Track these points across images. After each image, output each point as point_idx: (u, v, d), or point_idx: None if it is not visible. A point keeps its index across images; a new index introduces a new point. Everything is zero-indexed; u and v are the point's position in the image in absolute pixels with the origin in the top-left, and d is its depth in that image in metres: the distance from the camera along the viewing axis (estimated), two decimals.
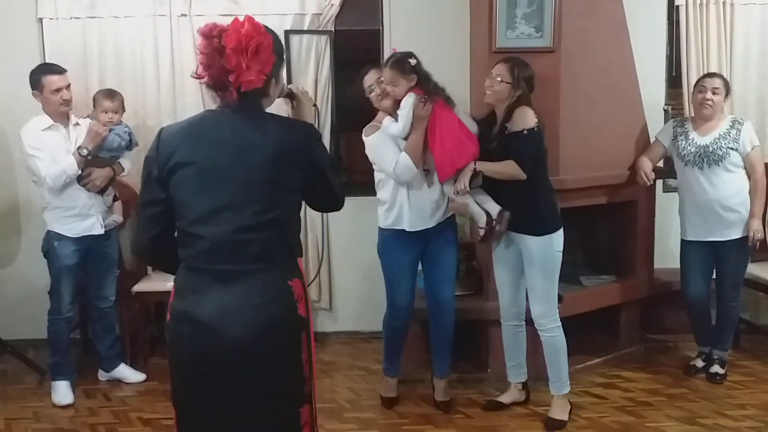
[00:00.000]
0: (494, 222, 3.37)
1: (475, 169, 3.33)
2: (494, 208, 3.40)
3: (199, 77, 2.04)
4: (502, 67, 3.38)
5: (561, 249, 3.41)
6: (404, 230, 3.47)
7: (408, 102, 3.33)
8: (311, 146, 2.10)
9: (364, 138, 3.50)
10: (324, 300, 4.74)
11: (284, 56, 2.12)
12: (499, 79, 3.35)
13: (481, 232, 3.44)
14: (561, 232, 3.41)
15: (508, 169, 3.31)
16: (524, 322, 3.61)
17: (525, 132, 3.28)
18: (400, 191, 3.46)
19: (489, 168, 3.35)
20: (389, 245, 3.56)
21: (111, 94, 3.94)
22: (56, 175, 3.68)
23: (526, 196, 3.34)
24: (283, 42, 2.28)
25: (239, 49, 1.95)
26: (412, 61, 3.33)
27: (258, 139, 2.02)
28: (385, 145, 3.41)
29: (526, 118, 3.29)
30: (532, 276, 3.42)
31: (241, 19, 2.00)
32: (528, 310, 3.53)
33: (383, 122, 3.44)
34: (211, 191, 1.99)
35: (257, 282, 2.00)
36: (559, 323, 3.47)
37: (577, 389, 3.67)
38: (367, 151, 3.51)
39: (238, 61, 1.95)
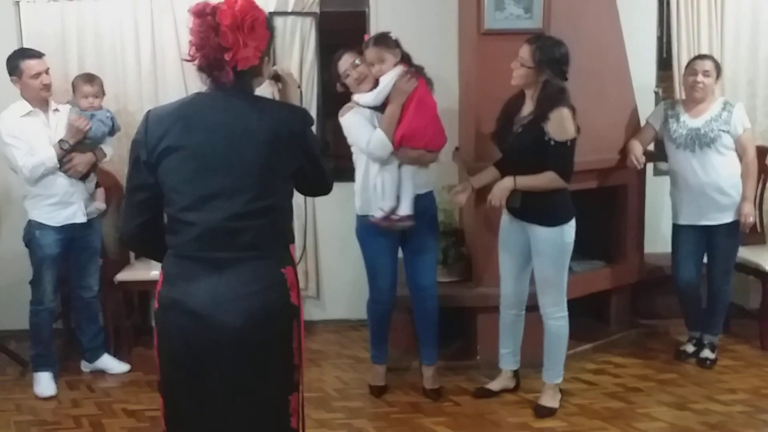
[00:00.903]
0: (395, 218, 3.34)
1: (515, 188, 3.24)
2: (406, 208, 3.36)
3: (191, 59, 1.98)
4: (524, 49, 3.21)
5: (572, 240, 3.33)
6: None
7: (392, 73, 3.30)
8: (306, 132, 2.06)
9: (340, 118, 3.49)
10: (311, 288, 4.68)
11: (274, 33, 2.07)
12: (519, 63, 3.21)
13: (378, 214, 3.36)
14: (573, 222, 3.32)
15: (550, 182, 3.21)
16: (524, 311, 3.57)
17: (569, 144, 3.18)
18: (370, 175, 3.40)
19: (530, 184, 3.23)
20: (367, 230, 3.51)
21: (90, 78, 3.87)
22: (34, 166, 3.62)
23: None
24: None
25: (235, 25, 1.91)
26: (394, 36, 3.34)
27: (252, 124, 1.97)
28: (359, 122, 3.39)
29: (566, 128, 3.16)
30: (542, 266, 3.35)
31: None
32: (530, 298, 3.49)
33: (353, 98, 3.42)
34: (202, 177, 1.94)
35: (250, 270, 1.96)
36: (566, 313, 3.42)
37: (567, 375, 3.64)
38: (344, 132, 3.49)
39: (235, 38, 1.91)
